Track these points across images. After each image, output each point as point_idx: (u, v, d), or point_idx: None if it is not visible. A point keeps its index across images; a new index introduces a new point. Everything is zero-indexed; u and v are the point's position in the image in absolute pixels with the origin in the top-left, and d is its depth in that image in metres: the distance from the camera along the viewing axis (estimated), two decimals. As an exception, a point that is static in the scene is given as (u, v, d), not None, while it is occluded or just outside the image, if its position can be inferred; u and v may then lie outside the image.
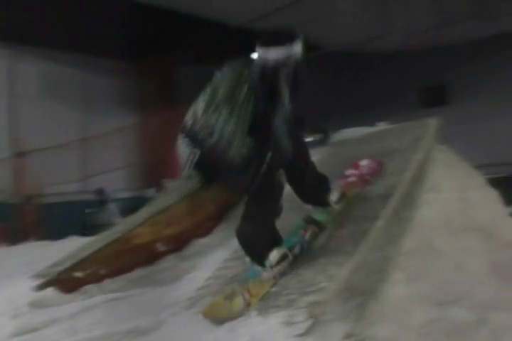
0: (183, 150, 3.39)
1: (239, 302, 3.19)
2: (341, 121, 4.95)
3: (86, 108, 13.95)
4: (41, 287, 4.08)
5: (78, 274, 4.25)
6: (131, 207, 8.29)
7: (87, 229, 10.30)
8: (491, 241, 3.84)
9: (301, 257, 3.46)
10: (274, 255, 3.35)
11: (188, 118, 3.38)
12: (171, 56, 14.51)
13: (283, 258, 3.36)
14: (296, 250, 3.48)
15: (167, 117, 14.11)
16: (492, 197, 4.44)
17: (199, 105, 3.35)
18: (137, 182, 14.73)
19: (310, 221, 3.72)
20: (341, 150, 4.34)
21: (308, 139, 4.57)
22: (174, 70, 15.16)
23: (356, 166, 4.25)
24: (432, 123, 4.52)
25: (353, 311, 2.80)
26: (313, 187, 3.83)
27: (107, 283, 4.25)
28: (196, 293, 3.70)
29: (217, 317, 3.18)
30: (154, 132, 14.01)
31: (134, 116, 14.89)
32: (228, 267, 3.88)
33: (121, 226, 4.93)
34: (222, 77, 3.34)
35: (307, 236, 3.61)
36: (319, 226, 3.68)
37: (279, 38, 3.34)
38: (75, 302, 3.95)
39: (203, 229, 4.80)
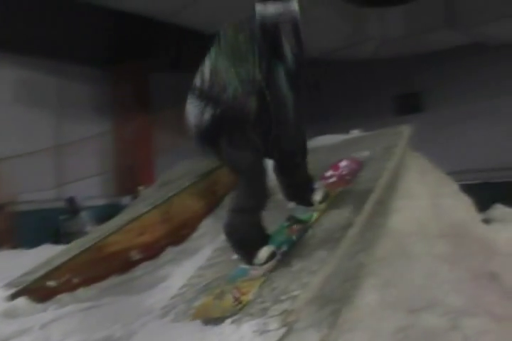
0: (192, 110, 3.49)
1: (229, 300, 3.18)
2: (315, 129, 4.93)
3: (61, 114, 13.86)
4: (13, 296, 4.04)
5: (51, 283, 4.21)
6: (106, 214, 8.24)
7: (59, 238, 10.22)
8: (464, 248, 3.87)
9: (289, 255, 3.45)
10: (262, 253, 3.36)
11: (197, 81, 3.49)
12: (146, 62, 14.49)
13: (271, 256, 3.37)
14: (284, 248, 3.48)
15: (143, 124, 14.11)
16: (465, 203, 4.47)
17: (206, 67, 3.44)
18: (113, 189, 14.64)
19: (295, 220, 3.74)
20: (314, 158, 4.33)
21: None
22: (150, 77, 15.13)
23: (336, 167, 4.28)
24: (404, 130, 4.54)
25: (326, 318, 2.80)
26: (300, 186, 3.85)
27: (80, 291, 4.22)
28: (170, 301, 3.66)
29: (209, 317, 3.16)
30: (130, 139, 13.96)
31: (109, 122, 14.83)
32: (202, 275, 3.86)
33: (94, 234, 4.90)
34: (225, 36, 3.41)
35: (295, 235, 3.62)
36: (304, 225, 3.69)
37: None
38: (47, 312, 3.91)
39: (177, 236, 4.78)
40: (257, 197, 3.49)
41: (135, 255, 4.60)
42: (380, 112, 13.70)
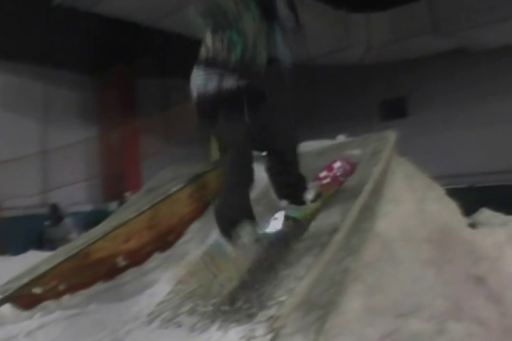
0: (196, 81, 3.51)
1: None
2: (302, 134, 4.95)
3: (47, 120, 13.83)
4: (-2, 304, 4.00)
5: (37, 290, 4.17)
6: (92, 220, 8.20)
7: (43, 244, 10.17)
8: (450, 252, 3.89)
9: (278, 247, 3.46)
10: (244, 230, 3.32)
11: (202, 53, 3.54)
12: (133, 68, 14.49)
13: (253, 234, 3.34)
14: (273, 239, 3.50)
15: (129, 129, 14.09)
16: (451, 207, 4.50)
17: (207, 38, 3.52)
18: (99, 195, 14.60)
19: (286, 218, 3.74)
20: (302, 163, 4.33)
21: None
22: (136, 82, 15.12)
23: (330, 169, 4.30)
24: (390, 135, 4.57)
25: (313, 324, 2.79)
26: (292, 184, 3.86)
27: (66, 298, 4.18)
28: (156, 308, 3.65)
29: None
30: (116, 144, 13.94)
31: (95, 128, 14.80)
32: (188, 281, 3.85)
33: (80, 240, 4.86)
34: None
35: (288, 229, 3.64)
36: (296, 222, 3.70)
37: None
38: (32, 319, 3.87)
39: (164, 242, 4.76)
40: (243, 173, 3.49)
41: (121, 261, 4.57)
42: (366, 117, 13.78)
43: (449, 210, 4.46)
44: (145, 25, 11.92)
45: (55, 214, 11.65)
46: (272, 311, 2.96)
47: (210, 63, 3.45)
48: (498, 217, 5.07)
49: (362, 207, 3.69)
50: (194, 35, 3.79)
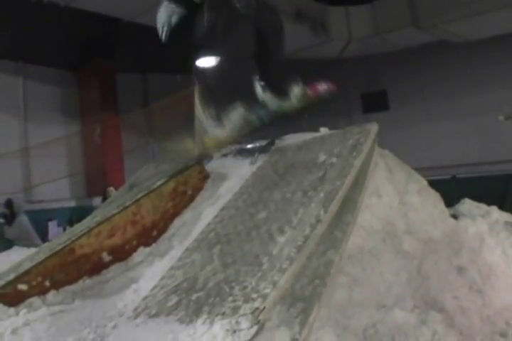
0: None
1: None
2: (285, 127, 4.96)
3: (27, 117, 13.71)
4: (-17, 301, 3.99)
5: (22, 287, 4.16)
6: (76, 216, 8.16)
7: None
8: (432, 243, 3.93)
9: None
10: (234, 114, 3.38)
11: None
12: (113, 63, 14.42)
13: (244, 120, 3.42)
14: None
15: (110, 124, 14.04)
16: (433, 199, 4.53)
17: None
18: (83, 191, 14.55)
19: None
20: (283, 157, 4.35)
21: (251, 145, 4.59)
22: (117, 77, 15.06)
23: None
24: (371, 127, 4.57)
25: (297, 316, 2.83)
26: (278, 74, 3.92)
27: (52, 295, 4.17)
28: (141, 302, 3.66)
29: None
30: (98, 140, 13.88)
31: (77, 124, 14.72)
32: (173, 276, 3.86)
33: (65, 236, 4.86)
34: None
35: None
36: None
37: None
38: (18, 316, 3.87)
39: (148, 238, 4.76)
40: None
41: (105, 257, 4.57)
42: (349, 110, 13.81)
43: (431, 201, 4.49)
44: (125, 20, 11.88)
45: (10, 211, 11.00)
46: (256, 304, 2.99)
47: None
48: (480, 207, 5.10)
49: (344, 200, 3.71)
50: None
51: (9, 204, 11.12)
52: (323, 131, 5.27)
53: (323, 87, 4.31)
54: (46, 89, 14.19)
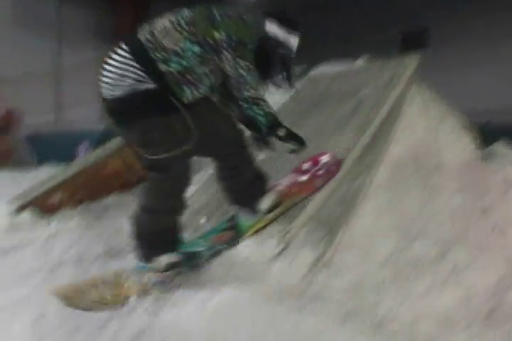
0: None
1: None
2: (321, 54, 4.86)
3: (62, 39, 13.64)
4: (17, 211, 4.12)
5: (54, 198, 4.28)
6: (106, 140, 8.20)
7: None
8: (459, 182, 3.92)
9: (201, 265, 3.00)
10: (162, 260, 2.89)
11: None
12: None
13: (172, 266, 2.90)
14: (200, 258, 3.02)
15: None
16: (466, 140, 4.47)
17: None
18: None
19: (232, 226, 3.26)
20: (317, 87, 4.28)
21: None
22: (151, 4, 14.88)
23: (315, 161, 3.53)
24: (412, 59, 4.43)
25: (322, 239, 2.89)
26: (241, 191, 3.22)
27: (83, 207, 4.29)
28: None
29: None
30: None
31: (109, 48, 14.64)
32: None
33: (94, 156, 4.93)
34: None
35: (218, 244, 3.11)
36: (237, 235, 3.14)
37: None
38: (50, 226, 4.00)
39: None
40: (175, 197, 2.98)
41: (133, 177, 4.62)
42: (386, 47, 13.53)
43: (464, 142, 4.44)
44: None
45: None
46: (283, 225, 3.05)
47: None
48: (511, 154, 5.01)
49: (377, 131, 3.70)
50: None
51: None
52: (360, 62, 5.15)
53: (324, 161, 3.49)
54: (80, 10, 14.04)
